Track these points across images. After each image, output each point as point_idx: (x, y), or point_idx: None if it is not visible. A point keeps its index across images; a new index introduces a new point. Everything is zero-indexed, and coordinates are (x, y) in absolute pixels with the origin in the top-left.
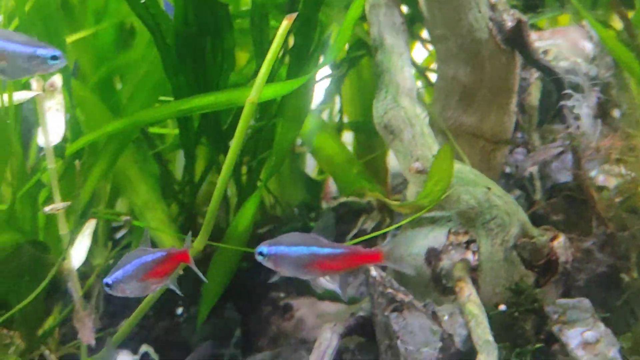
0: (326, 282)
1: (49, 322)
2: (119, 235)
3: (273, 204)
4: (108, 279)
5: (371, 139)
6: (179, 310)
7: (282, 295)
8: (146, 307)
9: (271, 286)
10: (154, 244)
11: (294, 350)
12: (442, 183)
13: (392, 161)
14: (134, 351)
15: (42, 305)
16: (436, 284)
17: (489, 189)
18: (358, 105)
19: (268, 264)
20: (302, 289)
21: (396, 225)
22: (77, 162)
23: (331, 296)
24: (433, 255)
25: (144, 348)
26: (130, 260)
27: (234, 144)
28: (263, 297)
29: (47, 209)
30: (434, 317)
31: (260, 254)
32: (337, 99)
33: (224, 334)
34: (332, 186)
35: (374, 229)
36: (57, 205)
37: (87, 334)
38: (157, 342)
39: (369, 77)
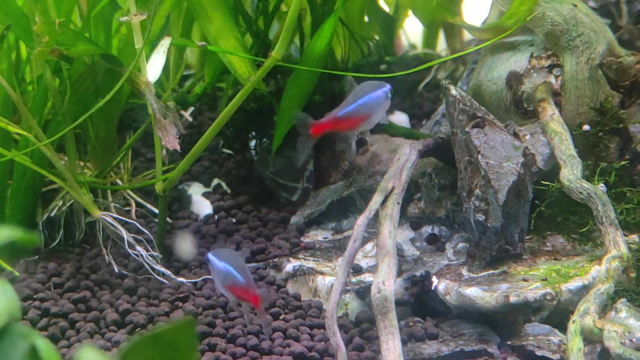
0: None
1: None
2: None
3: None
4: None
5: None
6: (253, 143)
7: None
8: (204, 145)
9: None
10: (226, 71)
11: (368, 177)
12: (528, 2)
13: None
14: (207, 184)
15: (114, 133)
16: (517, 107)
17: (575, 6)
18: None
19: None
20: (376, 125)
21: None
22: None
23: (405, 132)
24: (514, 79)
25: (216, 181)
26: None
27: None
28: (337, 133)
29: (123, 18)
30: (516, 136)
31: None
32: None
33: (297, 169)
34: (403, 40)
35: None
36: (133, 15)
37: (171, 140)
38: (229, 176)
39: None
